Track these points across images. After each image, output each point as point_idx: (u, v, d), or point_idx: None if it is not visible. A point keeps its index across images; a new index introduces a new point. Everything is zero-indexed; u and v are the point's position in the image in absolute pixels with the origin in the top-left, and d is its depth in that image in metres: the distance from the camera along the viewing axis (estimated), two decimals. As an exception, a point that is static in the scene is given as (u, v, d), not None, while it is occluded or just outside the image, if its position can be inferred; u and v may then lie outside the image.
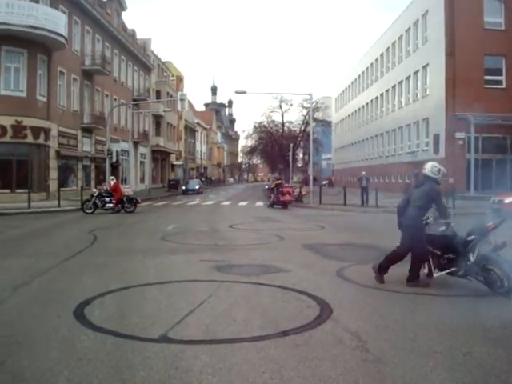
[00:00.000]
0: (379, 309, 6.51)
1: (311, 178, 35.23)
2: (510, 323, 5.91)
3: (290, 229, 16.91)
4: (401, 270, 9.10)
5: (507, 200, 21.45)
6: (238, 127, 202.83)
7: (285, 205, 28.04)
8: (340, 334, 5.40)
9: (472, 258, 7.40)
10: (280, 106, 65.77)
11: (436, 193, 7.89)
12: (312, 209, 27.83)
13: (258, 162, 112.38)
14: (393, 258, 8.12)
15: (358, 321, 5.93)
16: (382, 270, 8.12)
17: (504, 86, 34.26)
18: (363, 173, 31.25)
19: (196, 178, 66.89)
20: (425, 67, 39.41)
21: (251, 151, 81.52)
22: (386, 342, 5.18)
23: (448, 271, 7.82)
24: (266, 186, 37.85)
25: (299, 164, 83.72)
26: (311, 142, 36.05)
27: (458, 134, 33.65)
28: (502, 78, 34.58)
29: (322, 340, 5.23)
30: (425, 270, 8.08)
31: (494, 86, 34.15)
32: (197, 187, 50.00)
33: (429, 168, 8.02)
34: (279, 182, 30.10)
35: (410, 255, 8.00)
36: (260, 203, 32.14)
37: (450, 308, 6.65)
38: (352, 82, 65.83)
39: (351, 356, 4.76)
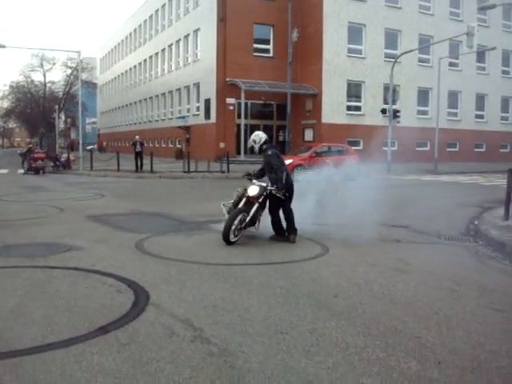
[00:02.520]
0: (200, 286, 5.84)
1: (81, 142, 32.91)
2: (338, 288, 5.74)
3: (66, 198, 15.28)
4: (197, 238, 8.71)
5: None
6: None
7: (37, 171, 27.12)
8: (169, 323, 4.60)
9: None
10: (41, 65, 60.43)
11: None
12: (84, 176, 26.26)
13: (15, 125, 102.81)
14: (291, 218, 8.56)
15: (183, 303, 5.19)
16: (290, 231, 8.52)
17: (271, 54, 35.91)
18: (137, 137, 30.58)
19: None
20: (196, 32, 39.33)
21: (7, 114, 73.92)
22: (222, 326, 4.54)
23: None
24: (19, 151, 35.44)
25: (61, 128, 78.67)
26: (80, 104, 33.49)
27: (229, 100, 34.49)
28: (270, 47, 36.17)
29: (151, 334, 4.35)
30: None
31: (263, 55, 35.68)
32: None
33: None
34: (30, 146, 30.10)
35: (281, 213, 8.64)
36: (23, 171, 29.14)
37: (269, 278, 6.25)
38: (119, 43, 63.18)
39: (192, 351, 3.99)
